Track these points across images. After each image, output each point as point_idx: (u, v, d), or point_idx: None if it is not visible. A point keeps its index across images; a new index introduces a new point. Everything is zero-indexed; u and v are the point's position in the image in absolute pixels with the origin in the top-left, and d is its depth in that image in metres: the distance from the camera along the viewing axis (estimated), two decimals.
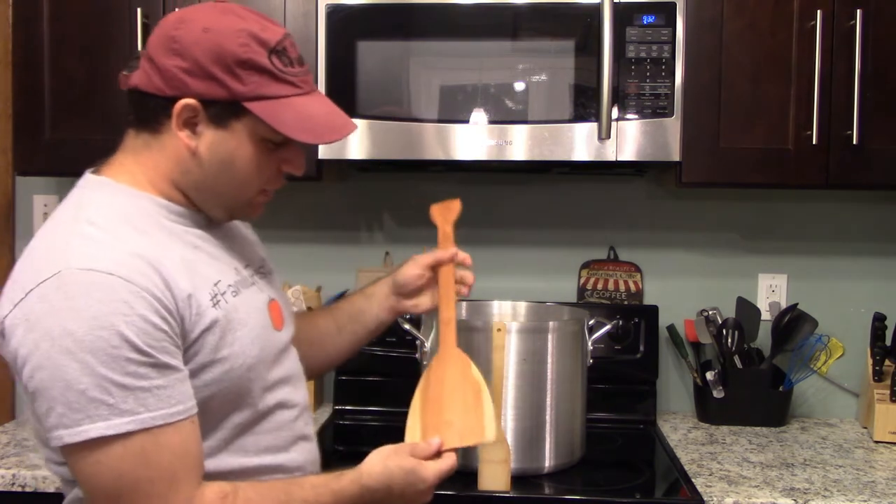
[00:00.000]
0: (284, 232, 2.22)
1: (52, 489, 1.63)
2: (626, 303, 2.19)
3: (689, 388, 2.20)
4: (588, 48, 1.78)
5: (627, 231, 2.22)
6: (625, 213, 2.22)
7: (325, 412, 2.12)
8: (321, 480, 1.12)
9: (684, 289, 2.20)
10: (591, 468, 1.78)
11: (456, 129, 1.80)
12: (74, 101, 1.90)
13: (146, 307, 0.98)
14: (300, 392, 1.25)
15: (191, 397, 1.03)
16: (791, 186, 1.89)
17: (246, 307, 1.13)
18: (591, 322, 1.88)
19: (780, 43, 1.82)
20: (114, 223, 1.05)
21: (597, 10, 1.74)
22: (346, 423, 2.07)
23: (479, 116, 1.79)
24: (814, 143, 1.80)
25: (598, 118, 1.76)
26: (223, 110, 1.07)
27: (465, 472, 1.62)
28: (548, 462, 1.71)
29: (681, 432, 2.03)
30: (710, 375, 2.06)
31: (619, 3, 1.75)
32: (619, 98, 1.77)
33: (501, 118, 1.79)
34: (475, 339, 1.65)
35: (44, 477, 1.64)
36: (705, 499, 1.58)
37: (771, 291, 2.20)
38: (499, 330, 1.57)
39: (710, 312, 2.11)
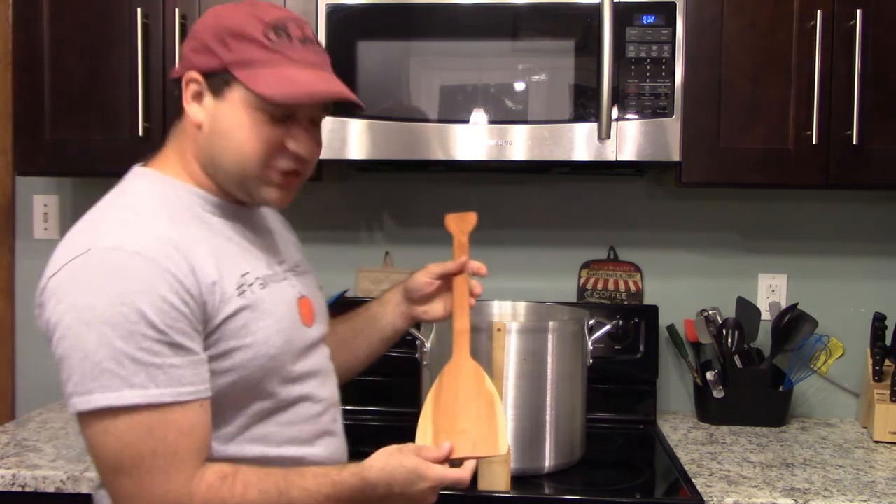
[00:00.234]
0: None
1: (51, 489, 1.63)
2: (626, 303, 2.19)
3: (689, 388, 2.20)
4: (588, 48, 1.78)
5: (627, 231, 2.22)
6: (625, 213, 2.22)
7: None
8: (323, 471, 1.12)
9: (684, 289, 2.20)
10: (591, 468, 1.78)
11: (456, 128, 1.80)
12: (74, 101, 1.90)
13: (167, 288, 1.02)
14: (328, 388, 1.27)
15: (203, 381, 1.05)
16: (791, 186, 1.89)
17: (273, 300, 1.16)
18: (591, 322, 1.88)
19: (780, 43, 1.82)
20: (150, 209, 1.11)
21: (597, 10, 1.74)
22: (346, 422, 2.06)
23: (479, 116, 1.79)
24: (814, 143, 1.80)
25: (598, 118, 1.76)
26: (220, 80, 1.12)
27: None
28: (548, 462, 1.71)
29: (681, 432, 2.03)
30: (710, 375, 2.06)
31: (619, 3, 1.75)
32: (619, 98, 1.77)
33: (501, 118, 1.79)
34: (475, 339, 1.63)
35: (44, 477, 1.64)
36: (705, 499, 1.58)
37: (771, 291, 2.20)
38: (499, 330, 1.57)
39: (710, 312, 2.11)
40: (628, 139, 1.79)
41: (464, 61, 1.83)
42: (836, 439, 1.99)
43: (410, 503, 1.13)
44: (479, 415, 1.20)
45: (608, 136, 1.75)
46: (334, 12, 1.80)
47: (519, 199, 2.22)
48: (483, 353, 1.64)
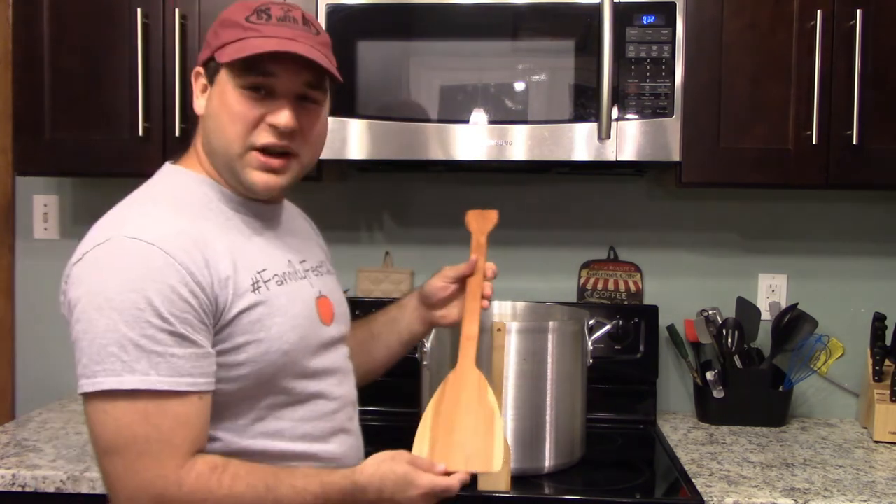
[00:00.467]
0: None
1: (52, 489, 1.63)
2: (626, 303, 2.19)
3: (689, 388, 2.20)
4: (588, 48, 1.78)
5: (627, 231, 2.22)
6: (625, 213, 2.22)
7: None
8: (313, 471, 1.13)
9: (684, 289, 2.20)
10: (591, 468, 1.78)
11: (456, 129, 1.80)
12: (74, 101, 1.90)
13: (177, 279, 1.05)
14: (345, 387, 1.28)
15: (204, 375, 1.07)
16: (791, 186, 1.89)
17: (289, 296, 1.17)
18: (591, 322, 1.88)
19: (780, 43, 1.82)
20: (172, 204, 1.15)
21: (597, 10, 1.74)
22: None
23: (479, 116, 1.79)
24: (814, 143, 1.80)
25: (598, 118, 1.76)
26: (212, 68, 1.17)
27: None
28: (548, 462, 1.71)
29: (681, 432, 2.03)
30: (710, 375, 2.06)
31: (619, 3, 1.75)
32: (619, 98, 1.77)
33: (501, 118, 1.79)
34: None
35: (44, 477, 1.64)
36: (705, 499, 1.57)
37: (771, 291, 2.20)
38: (499, 330, 1.57)
39: (710, 312, 2.11)
40: (628, 139, 1.79)
41: (464, 61, 1.83)
42: (836, 439, 1.99)
43: None
44: (477, 428, 1.20)
45: (608, 136, 1.75)
46: (334, 12, 1.80)
47: (519, 199, 2.22)
48: (483, 353, 1.64)
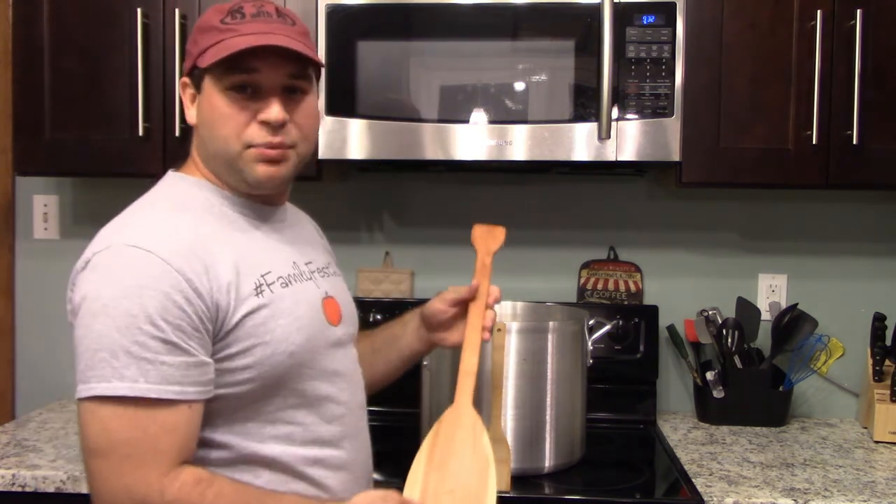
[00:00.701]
0: None
1: (51, 489, 1.63)
2: (626, 303, 2.19)
3: (689, 388, 2.20)
4: (588, 48, 1.78)
5: (627, 231, 2.22)
6: (625, 213, 2.22)
7: None
8: (300, 499, 1.13)
9: (684, 289, 2.20)
10: (591, 468, 1.78)
11: (456, 129, 1.80)
12: (74, 101, 1.90)
13: (173, 286, 1.05)
14: (354, 390, 1.27)
15: (196, 384, 1.06)
16: (791, 186, 1.89)
17: (294, 298, 1.17)
18: (591, 322, 1.88)
19: (780, 43, 1.82)
20: (174, 210, 1.16)
21: (597, 10, 1.74)
22: None
23: (479, 116, 1.79)
24: (814, 143, 1.80)
25: (598, 118, 1.76)
26: (197, 76, 1.18)
27: None
28: (548, 462, 1.71)
29: (681, 432, 2.03)
30: (710, 375, 2.06)
31: (619, 3, 1.75)
32: (619, 98, 1.77)
33: (501, 118, 1.79)
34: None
35: (44, 477, 1.64)
36: (705, 499, 1.58)
37: (771, 291, 2.20)
38: (499, 330, 1.57)
39: (710, 312, 2.11)
40: (628, 139, 1.79)
41: (464, 61, 1.83)
42: (836, 439, 1.99)
43: None
44: (471, 477, 1.17)
45: (608, 136, 1.75)
46: (334, 12, 1.80)
47: (519, 199, 2.22)
48: (483, 353, 1.64)
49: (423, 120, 1.80)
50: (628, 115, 1.78)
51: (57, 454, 1.75)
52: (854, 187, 1.93)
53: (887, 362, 2.01)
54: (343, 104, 1.81)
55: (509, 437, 1.64)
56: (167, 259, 1.06)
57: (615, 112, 1.77)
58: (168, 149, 1.87)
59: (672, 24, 1.77)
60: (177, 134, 1.86)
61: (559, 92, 1.80)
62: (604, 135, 1.75)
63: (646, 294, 2.22)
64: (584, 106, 1.78)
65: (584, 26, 1.78)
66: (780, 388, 2.07)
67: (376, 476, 1.64)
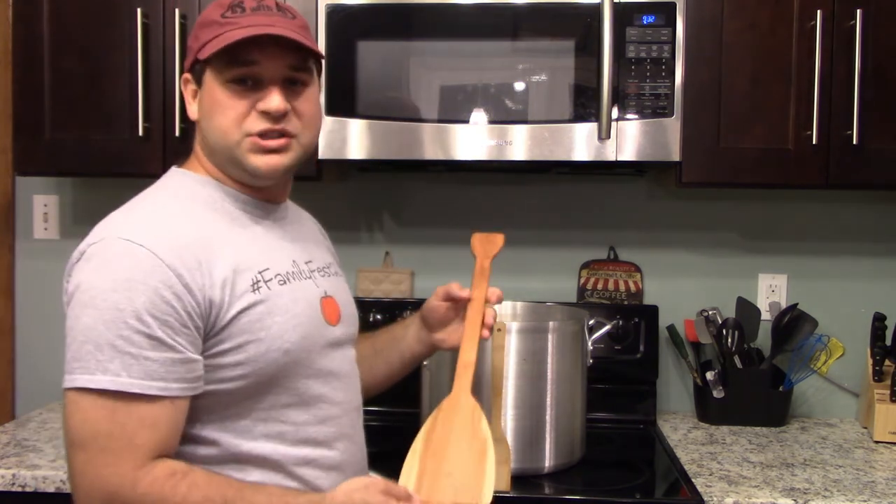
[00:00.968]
0: None
1: (52, 489, 1.63)
2: (626, 303, 2.19)
3: (689, 388, 2.20)
4: (588, 48, 1.78)
5: (627, 231, 2.22)
6: (625, 213, 2.22)
7: None
8: (280, 491, 1.11)
9: (684, 289, 2.20)
10: (591, 468, 1.78)
11: (456, 129, 1.80)
12: (74, 101, 1.90)
13: (162, 281, 1.05)
14: (349, 391, 1.27)
15: (180, 380, 1.06)
16: (791, 186, 1.89)
17: (292, 296, 1.17)
18: (591, 322, 1.88)
19: (780, 43, 1.82)
20: (173, 206, 1.16)
21: (597, 10, 1.74)
22: None
23: (479, 116, 1.79)
24: (814, 143, 1.80)
25: (598, 118, 1.76)
26: (198, 71, 1.18)
27: None
28: (548, 462, 1.71)
29: (681, 432, 2.03)
30: (710, 375, 2.06)
31: (619, 3, 1.75)
32: (619, 98, 1.77)
33: (501, 118, 1.79)
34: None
35: (44, 477, 1.64)
36: (705, 499, 1.58)
37: (771, 291, 2.20)
38: (499, 330, 1.57)
39: (710, 312, 2.11)
40: (628, 139, 1.79)
41: (464, 61, 1.83)
42: (836, 439, 1.99)
43: None
44: (469, 460, 1.16)
45: (608, 136, 1.75)
46: (334, 12, 1.80)
47: (519, 199, 2.22)
48: (483, 353, 1.64)
49: (423, 120, 1.80)
50: (628, 115, 1.78)
51: (57, 454, 1.75)
52: (854, 187, 1.93)
53: (887, 362, 2.01)
54: (343, 104, 1.81)
55: (509, 437, 1.64)
56: (159, 254, 1.06)
57: (615, 112, 1.77)
58: (168, 149, 1.87)
59: (672, 24, 1.77)
60: (177, 134, 1.86)
61: (559, 92, 1.80)
62: (604, 135, 1.75)
63: (646, 294, 2.22)
64: (584, 106, 1.78)
65: (584, 26, 1.78)
66: (780, 388, 2.07)
67: (377, 476, 1.64)
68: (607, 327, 1.97)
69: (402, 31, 1.82)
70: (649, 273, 2.22)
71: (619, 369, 2.11)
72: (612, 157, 1.79)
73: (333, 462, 1.21)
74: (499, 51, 1.81)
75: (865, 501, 1.57)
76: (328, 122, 1.81)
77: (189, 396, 1.08)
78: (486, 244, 1.39)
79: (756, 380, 2.06)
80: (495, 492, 1.55)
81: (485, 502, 1.12)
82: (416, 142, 1.81)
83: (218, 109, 1.15)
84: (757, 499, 1.58)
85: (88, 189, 2.26)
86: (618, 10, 1.74)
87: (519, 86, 1.80)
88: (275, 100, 1.14)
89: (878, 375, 2.01)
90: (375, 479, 1.09)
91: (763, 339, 2.13)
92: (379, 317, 2.09)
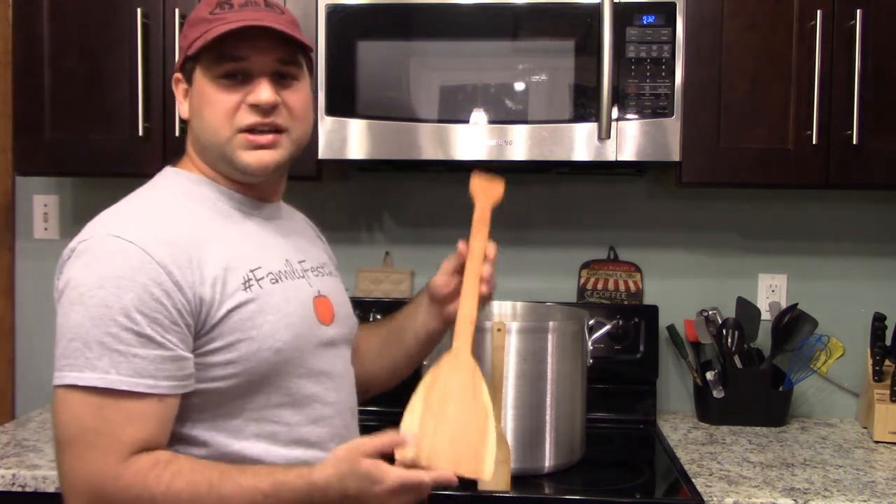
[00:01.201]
0: None
1: (52, 489, 1.63)
2: (626, 303, 2.19)
3: (689, 388, 2.20)
4: (588, 48, 1.78)
5: (627, 231, 2.22)
6: (625, 213, 2.22)
7: None
8: (267, 469, 1.08)
9: (684, 289, 2.20)
10: (591, 468, 1.78)
11: (456, 129, 1.80)
12: (74, 101, 1.90)
13: (151, 278, 1.04)
14: (343, 392, 1.26)
15: (169, 378, 1.05)
16: (791, 186, 1.89)
17: (284, 295, 1.16)
18: (591, 322, 1.88)
19: (780, 43, 1.82)
20: (166, 203, 1.16)
21: (597, 10, 1.74)
22: None
23: (478, 116, 1.79)
24: (814, 143, 1.80)
25: (598, 118, 1.76)
26: (188, 70, 1.18)
27: None
28: (548, 462, 1.71)
29: (681, 432, 2.03)
30: (710, 375, 2.06)
31: (619, 3, 1.75)
32: (619, 98, 1.77)
33: (501, 118, 1.79)
34: (475, 339, 1.64)
35: (44, 477, 1.64)
36: (705, 499, 1.58)
37: (771, 291, 2.20)
38: (499, 330, 1.57)
39: (710, 312, 2.11)
40: (628, 139, 1.79)
41: (464, 61, 1.83)
42: (836, 439, 1.99)
43: None
44: (471, 427, 1.12)
45: (608, 136, 1.75)
46: (334, 12, 1.80)
47: (519, 199, 2.22)
48: (483, 353, 1.64)
49: (423, 120, 1.80)
50: (628, 115, 1.78)
51: None
52: (854, 187, 1.93)
53: (887, 362, 2.01)
54: (343, 104, 1.81)
55: (509, 437, 1.64)
56: (148, 250, 1.05)
57: (615, 112, 1.77)
58: (168, 149, 1.87)
59: (672, 23, 1.77)
60: (177, 134, 1.86)
61: (559, 92, 1.80)
62: (604, 135, 1.75)
63: (646, 294, 2.22)
64: (584, 106, 1.78)
65: (584, 26, 1.78)
66: (780, 388, 2.07)
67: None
68: (607, 327, 1.97)
69: (402, 31, 1.82)
70: (649, 273, 2.22)
71: (619, 369, 2.11)
72: (612, 157, 1.79)
73: None
74: (499, 51, 1.81)
75: (865, 501, 1.57)
76: (328, 122, 1.81)
77: (179, 394, 1.08)
78: (488, 190, 1.33)
79: (756, 380, 2.06)
80: (495, 492, 1.56)
81: (486, 476, 1.09)
82: (416, 142, 1.81)
83: (208, 105, 1.15)
84: (757, 499, 1.58)
85: (88, 189, 2.26)
86: (618, 10, 1.74)
87: (519, 86, 1.80)
88: (264, 92, 1.14)
89: (878, 375, 2.01)
90: (363, 441, 1.06)
91: (763, 339, 2.13)
92: (379, 317, 2.09)
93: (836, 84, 1.80)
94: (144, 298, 1.04)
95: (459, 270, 1.31)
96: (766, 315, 2.16)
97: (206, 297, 1.08)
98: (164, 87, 1.88)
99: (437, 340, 1.41)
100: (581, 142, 1.79)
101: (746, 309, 2.11)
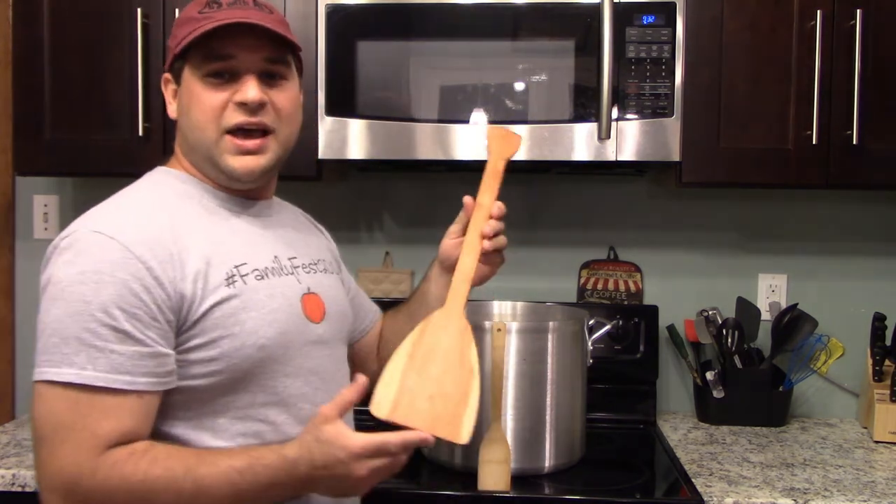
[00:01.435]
0: None
1: None
2: (626, 303, 2.19)
3: (689, 388, 2.20)
4: (588, 48, 1.78)
5: (627, 231, 2.22)
6: (625, 213, 2.22)
7: None
8: (243, 449, 1.09)
9: (684, 289, 2.20)
10: (591, 468, 1.78)
11: (456, 129, 1.80)
12: (74, 101, 1.90)
13: (131, 273, 1.04)
14: (332, 391, 1.21)
15: (148, 374, 1.05)
16: (791, 186, 1.89)
17: (269, 291, 1.15)
18: (591, 322, 1.88)
19: (780, 43, 1.82)
20: (149, 199, 1.16)
21: (597, 10, 1.74)
22: None
23: (478, 116, 1.79)
24: (814, 143, 1.80)
25: (598, 118, 1.76)
26: (177, 69, 1.19)
27: (465, 472, 1.62)
28: (548, 462, 1.71)
29: (681, 432, 2.03)
30: (710, 375, 2.06)
31: (619, 3, 1.75)
32: (619, 98, 1.77)
33: (501, 118, 1.79)
34: (475, 340, 1.64)
35: None
36: (705, 499, 1.58)
37: (771, 291, 2.20)
38: (499, 330, 1.57)
39: (710, 312, 2.11)
40: (628, 139, 1.79)
41: (464, 61, 1.83)
42: (836, 439, 1.99)
43: (337, 483, 1.04)
44: (454, 388, 1.07)
45: (608, 136, 1.75)
46: (334, 12, 1.80)
47: (519, 199, 2.22)
48: (483, 353, 1.64)
49: (423, 120, 1.80)
50: (628, 115, 1.78)
51: None
52: (854, 187, 1.93)
53: (887, 362, 2.02)
54: (343, 104, 1.81)
55: (509, 437, 1.64)
56: (128, 245, 1.05)
57: (615, 112, 1.77)
58: (168, 149, 1.86)
59: (672, 24, 1.77)
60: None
61: (559, 92, 1.80)
62: (604, 135, 1.75)
63: (646, 294, 2.22)
64: (584, 106, 1.78)
65: (584, 26, 1.78)
66: (780, 388, 2.07)
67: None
68: (607, 327, 1.97)
69: (401, 31, 1.82)
70: (649, 273, 2.22)
71: (619, 369, 2.11)
72: (612, 157, 1.79)
73: None
74: (499, 51, 1.82)
75: (865, 501, 1.57)
76: (328, 122, 1.81)
77: (159, 391, 1.07)
78: (504, 143, 1.28)
79: (756, 380, 2.06)
80: (495, 492, 1.56)
81: (462, 440, 1.05)
82: (416, 142, 1.81)
83: (195, 104, 1.15)
84: (757, 499, 1.58)
85: (88, 189, 2.26)
86: (618, 10, 1.74)
87: (519, 86, 1.80)
88: (251, 90, 1.14)
89: (878, 375, 2.01)
90: (321, 409, 1.04)
91: (763, 339, 2.13)
92: None
93: (836, 84, 1.80)
94: (124, 294, 1.03)
95: (465, 232, 1.28)
96: (766, 315, 2.16)
97: (187, 292, 1.07)
98: None
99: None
100: (581, 142, 1.79)
101: (746, 309, 2.11)
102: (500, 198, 2.28)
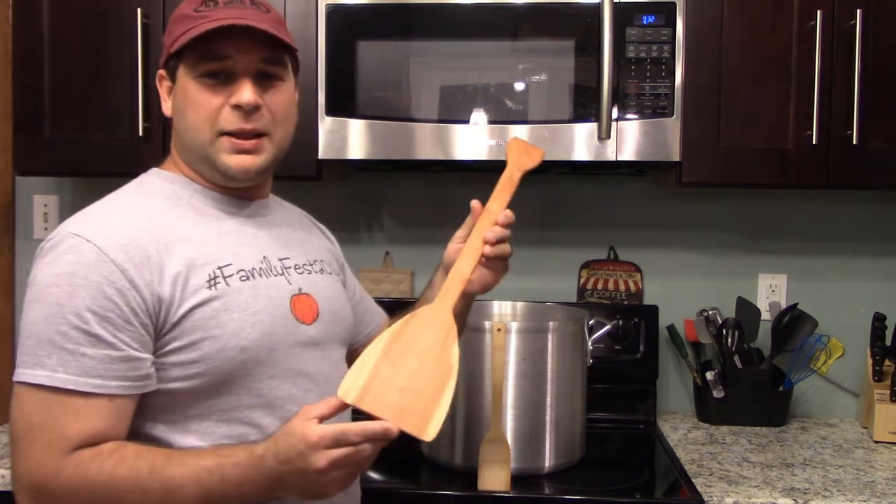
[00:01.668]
0: None
1: None
2: (626, 303, 2.19)
3: (689, 388, 2.20)
4: (588, 48, 1.78)
5: (627, 231, 2.22)
6: (625, 213, 2.22)
7: None
8: (213, 448, 1.08)
9: (684, 289, 2.20)
10: (591, 468, 1.78)
11: (456, 129, 1.80)
12: (74, 101, 1.90)
13: (104, 276, 1.04)
14: (326, 394, 1.17)
15: (119, 378, 1.04)
16: (791, 186, 1.89)
17: (254, 292, 1.13)
18: (591, 322, 1.88)
19: (780, 43, 1.82)
20: (133, 202, 1.16)
21: (597, 10, 1.74)
22: None
23: (478, 116, 1.79)
24: (814, 143, 1.80)
25: (598, 118, 1.76)
26: (171, 67, 1.18)
27: (466, 472, 1.63)
28: (548, 462, 1.71)
29: (681, 432, 2.03)
30: (710, 375, 2.06)
31: (619, 3, 1.75)
32: (619, 98, 1.77)
33: (501, 118, 1.79)
34: (475, 339, 1.65)
35: None
36: (705, 499, 1.58)
37: (771, 291, 2.20)
38: (499, 330, 1.57)
39: (710, 312, 2.11)
40: (628, 139, 1.79)
41: (464, 61, 1.83)
42: (836, 439, 1.99)
43: (302, 479, 1.01)
44: (428, 384, 1.05)
45: (608, 136, 1.75)
46: (334, 12, 1.80)
47: (519, 199, 2.21)
48: (483, 353, 1.64)
49: (423, 120, 1.80)
50: (628, 115, 1.78)
51: None
52: (854, 187, 1.93)
53: (887, 362, 2.02)
54: (343, 104, 1.81)
55: (509, 437, 1.64)
56: (103, 248, 1.05)
57: (615, 112, 1.77)
58: (168, 149, 1.87)
59: (672, 24, 1.77)
60: None
61: (559, 92, 1.80)
62: (604, 135, 1.75)
63: (646, 294, 2.22)
64: (584, 106, 1.78)
65: (584, 26, 1.78)
66: (780, 388, 2.07)
67: (375, 476, 1.65)
68: (607, 327, 1.97)
69: (402, 31, 1.82)
70: (649, 273, 2.22)
71: (619, 369, 2.11)
72: (612, 157, 1.79)
73: None
74: (499, 51, 1.82)
75: (865, 501, 1.57)
76: (328, 122, 1.81)
77: (132, 395, 1.06)
78: (524, 155, 1.27)
79: (756, 380, 2.06)
80: (495, 492, 1.56)
81: (428, 437, 1.02)
82: (416, 142, 1.81)
83: (191, 105, 1.15)
84: (757, 499, 1.58)
85: (88, 189, 2.26)
86: (618, 10, 1.74)
87: (519, 86, 1.80)
88: (246, 93, 1.13)
89: (878, 375, 2.01)
90: (302, 411, 1.02)
91: (763, 339, 2.13)
92: None
93: (836, 84, 1.80)
94: (97, 297, 1.03)
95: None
96: (766, 315, 2.16)
97: (164, 295, 1.06)
98: None
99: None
100: (581, 142, 1.79)
101: (746, 309, 2.11)
102: None
